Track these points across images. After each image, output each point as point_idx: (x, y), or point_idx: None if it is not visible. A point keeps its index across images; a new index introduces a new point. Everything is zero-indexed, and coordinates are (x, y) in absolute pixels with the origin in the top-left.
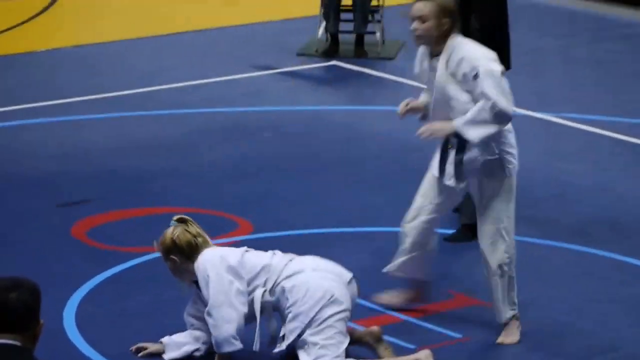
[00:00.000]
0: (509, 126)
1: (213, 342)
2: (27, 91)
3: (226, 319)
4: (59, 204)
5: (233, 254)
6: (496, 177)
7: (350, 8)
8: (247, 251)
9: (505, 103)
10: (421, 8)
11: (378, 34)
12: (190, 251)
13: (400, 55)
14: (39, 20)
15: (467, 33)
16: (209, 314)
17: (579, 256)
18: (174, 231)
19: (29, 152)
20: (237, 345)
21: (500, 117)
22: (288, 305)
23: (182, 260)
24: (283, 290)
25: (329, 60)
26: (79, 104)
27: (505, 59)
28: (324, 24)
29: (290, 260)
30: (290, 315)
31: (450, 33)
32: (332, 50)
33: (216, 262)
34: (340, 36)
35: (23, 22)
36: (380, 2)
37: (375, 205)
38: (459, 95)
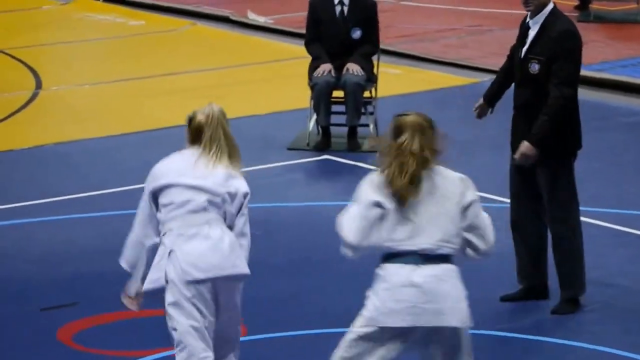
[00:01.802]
0: None
1: None
2: (8, 190)
3: None
4: (44, 308)
5: None
6: None
7: (342, 100)
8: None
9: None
10: None
11: (371, 126)
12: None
13: None
14: (18, 117)
15: None
16: None
17: None
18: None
19: (12, 253)
20: None
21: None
22: None
23: None
24: None
25: (320, 154)
26: (61, 202)
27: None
28: (314, 116)
29: None
30: None
31: None
32: (323, 143)
33: None
34: (332, 129)
35: (2, 119)
36: (373, 94)
37: None
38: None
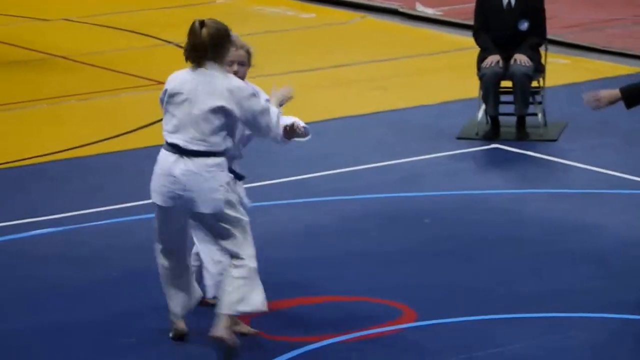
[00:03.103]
0: None
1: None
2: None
3: None
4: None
5: None
6: None
7: (510, 90)
8: None
9: None
10: None
11: (540, 116)
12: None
13: (563, 136)
14: None
15: None
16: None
17: None
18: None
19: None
20: None
21: None
22: None
23: None
24: None
25: (490, 143)
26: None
27: None
28: (483, 106)
29: None
30: None
31: None
32: (492, 132)
33: None
34: (501, 118)
35: None
36: (541, 84)
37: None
38: None
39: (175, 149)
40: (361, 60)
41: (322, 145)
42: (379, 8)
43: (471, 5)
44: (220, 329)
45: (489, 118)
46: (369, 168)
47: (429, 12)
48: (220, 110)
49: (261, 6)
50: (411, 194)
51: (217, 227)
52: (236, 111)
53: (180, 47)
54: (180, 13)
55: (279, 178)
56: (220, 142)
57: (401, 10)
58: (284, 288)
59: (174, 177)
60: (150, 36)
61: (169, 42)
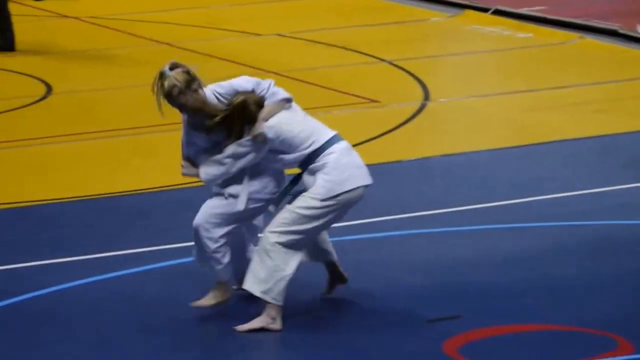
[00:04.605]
0: None
1: None
2: (388, 203)
3: None
4: (429, 320)
5: None
6: None
7: None
8: None
9: None
10: None
11: None
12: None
13: None
14: (405, 128)
15: None
16: None
17: None
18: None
19: (395, 264)
20: None
21: None
22: None
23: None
24: None
25: None
26: (445, 215)
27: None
28: None
29: None
30: None
31: None
32: None
33: None
34: None
35: (389, 131)
36: None
37: None
38: None
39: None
40: (579, 82)
41: (537, 170)
42: (598, 29)
43: None
44: None
45: None
46: (583, 194)
47: None
48: None
49: (478, 25)
50: (627, 222)
51: None
52: None
53: (394, 64)
54: (392, 30)
55: (489, 202)
56: None
57: (621, 31)
58: (493, 314)
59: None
60: (363, 53)
61: (382, 59)
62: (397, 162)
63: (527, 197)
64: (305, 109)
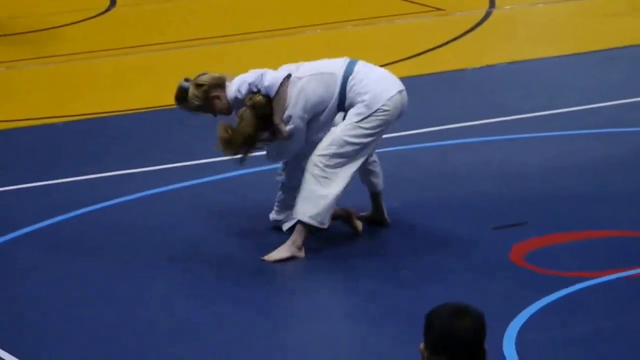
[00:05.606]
0: None
1: None
2: (456, 110)
3: None
4: (495, 227)
5: None
6: None
7: None
8: None
9: None
10: None
11: None
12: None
13: None
14: (471, 36)
15: None
16: None
17: None
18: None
19: (465, 173)
20: None
21: None
22: None
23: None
24: None
25: None
26: (516, 121)
27: None
28: None
29: None
30: None
31: None
32: None
33: None
34: None
35: (455, 39)
36: None
37: None
38: None
39: None
40: None
41: (603, 76)
42: None
43: None
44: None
45: None
46: None
47: None
48: None
49: None
50: None
51: None
52: None
53: None
54: None
55: (560, 108)
56: None
57: None
58: (566, 221)
59: None
60: None
61: None
62: (463, 69)
63: (599, 102)
64: (369, 18)
